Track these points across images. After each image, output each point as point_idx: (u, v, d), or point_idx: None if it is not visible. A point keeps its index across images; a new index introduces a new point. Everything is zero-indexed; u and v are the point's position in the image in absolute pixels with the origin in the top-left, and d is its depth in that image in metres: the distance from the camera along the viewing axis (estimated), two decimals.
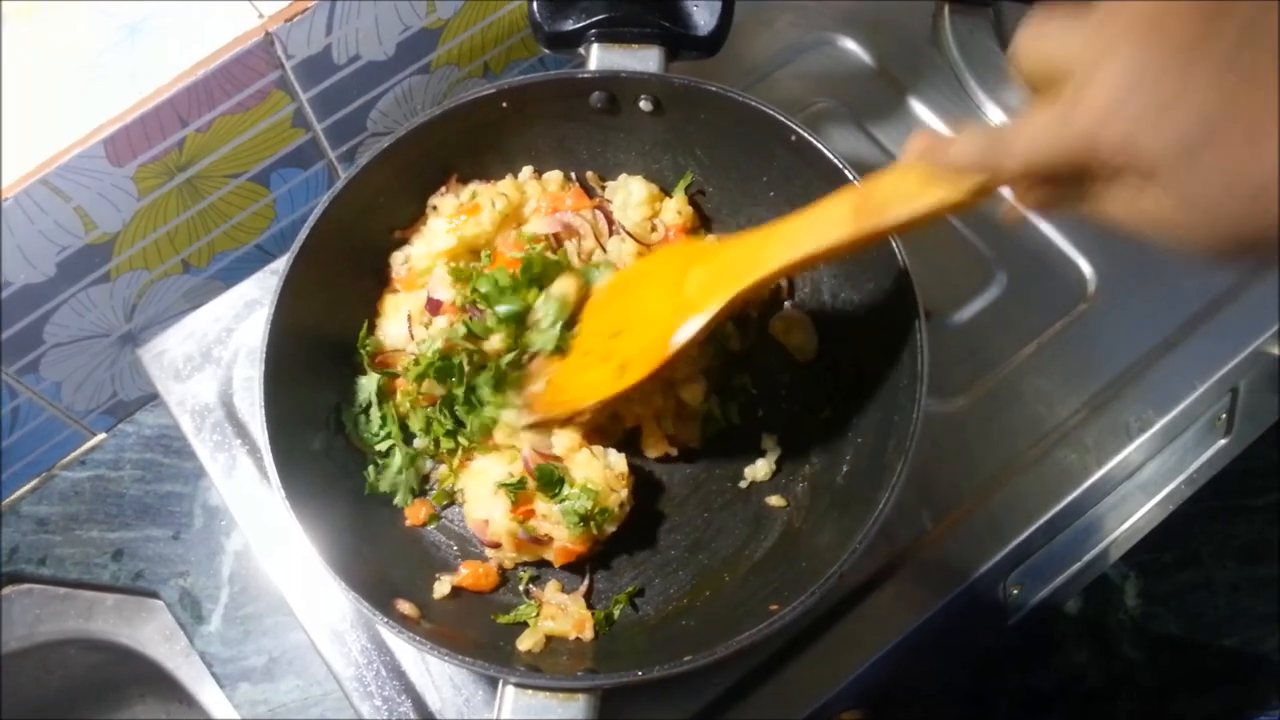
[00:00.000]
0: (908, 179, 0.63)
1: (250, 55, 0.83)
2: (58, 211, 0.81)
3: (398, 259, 0.90)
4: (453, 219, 0.87)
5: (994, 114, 1.07)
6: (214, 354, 0.95)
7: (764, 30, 1.11)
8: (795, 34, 1.11)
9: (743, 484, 0.87)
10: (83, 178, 0.80)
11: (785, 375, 0.91)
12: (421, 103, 1.03)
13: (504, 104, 0.85)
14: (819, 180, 0.83)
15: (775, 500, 0.86)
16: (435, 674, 0.84)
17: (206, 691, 0.96)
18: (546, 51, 1.09)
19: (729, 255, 0.75)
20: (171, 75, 0.81)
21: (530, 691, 0.69)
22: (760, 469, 0.87)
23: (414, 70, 0.98)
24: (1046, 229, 1.02)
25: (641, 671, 0.69)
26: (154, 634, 0.98)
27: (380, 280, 0.90)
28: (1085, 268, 1.00)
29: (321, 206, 0.81)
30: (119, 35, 0.83)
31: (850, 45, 1.11)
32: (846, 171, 0.81)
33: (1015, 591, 0.95)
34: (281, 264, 0.79)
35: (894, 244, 0.79)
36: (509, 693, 0.69)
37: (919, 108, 1.08)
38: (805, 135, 0.82)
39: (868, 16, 1.12)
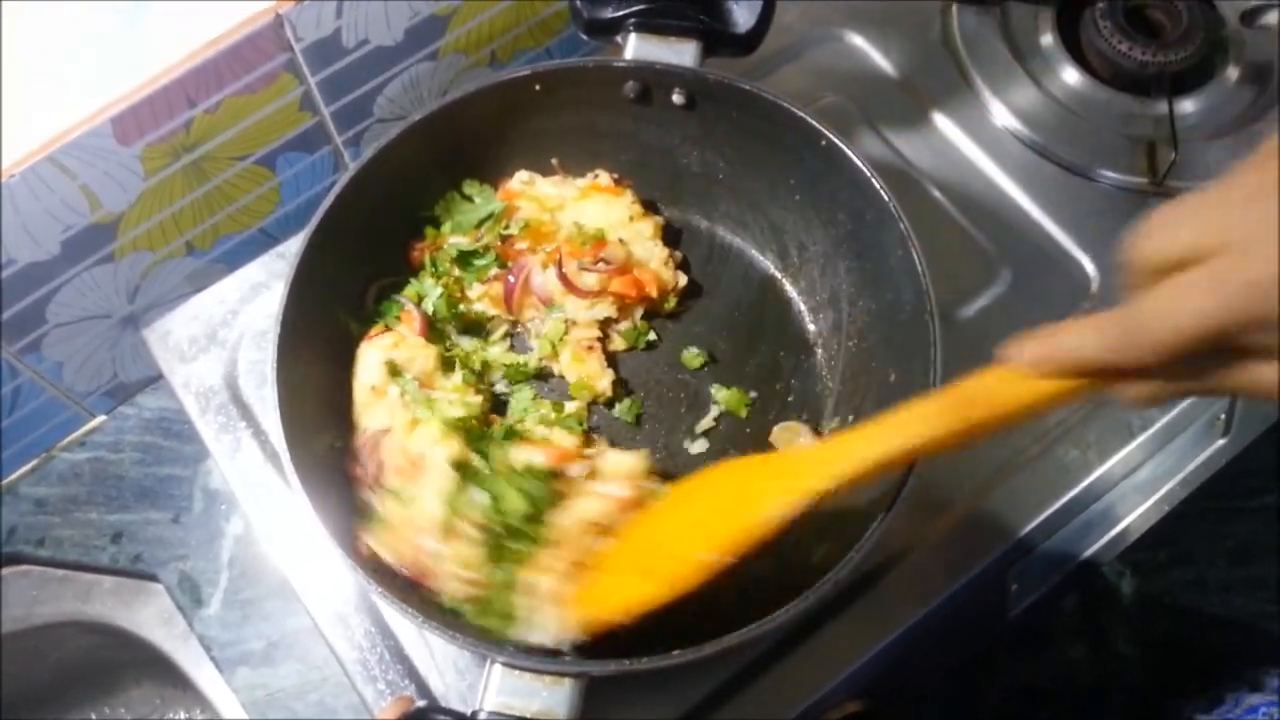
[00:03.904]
0: (1004, 380, 0.58)
1: (260, 36, 0.83)
2: (64, 189, 0.81)
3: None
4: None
5: (999, 111, 1.07)
6: (219, 336, 0.95)
7: (773, 23, 1.11)
8: (803, 28, 1.11)
9: None
10: (90, 156, 0.80)
11: (792, 383, 0.91)
12: (428, 90, 1.03)
13: (537, 86, 0.85)
14: (846, 187, 0.84)
15: None
16: (439, 658, 0.84)
17: (204, 675, 0.96)
18: (552, 41, 1.10)
19: (799, 461, 0.70)
20: (181, 55, 0.81)
21: (517, 672, 0.69)
22: None
23: (422, 57, 0.98)
24: (1050, 227, 1.02)
25: (629, 661, 0.70)
26: (152, 617, 0.98)
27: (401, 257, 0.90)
28: (1089, 266, 1.00)
29: (349, 175, 0.81)
30: (129, 13, 0.82)
31: (858, 41, 1.12)
32: (874, 180, 0.81)
33: (1014, 587, 0.95)
34: (296, 243, 0.79)
35: (915, 257, 0.79)
36: (496, 671, 0.69)
37: (925, 105, 1.08)
38: (835, 141, 0.83)
39: (876, 13, 1.13)
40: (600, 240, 0.89)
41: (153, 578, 0.98)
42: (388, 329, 0.86)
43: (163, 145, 0.84)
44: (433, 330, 0.89)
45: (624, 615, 0.71)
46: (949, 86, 1.09)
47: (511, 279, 0.90)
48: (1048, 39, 1.12)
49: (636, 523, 0.76)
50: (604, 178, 0.93)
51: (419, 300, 0.88)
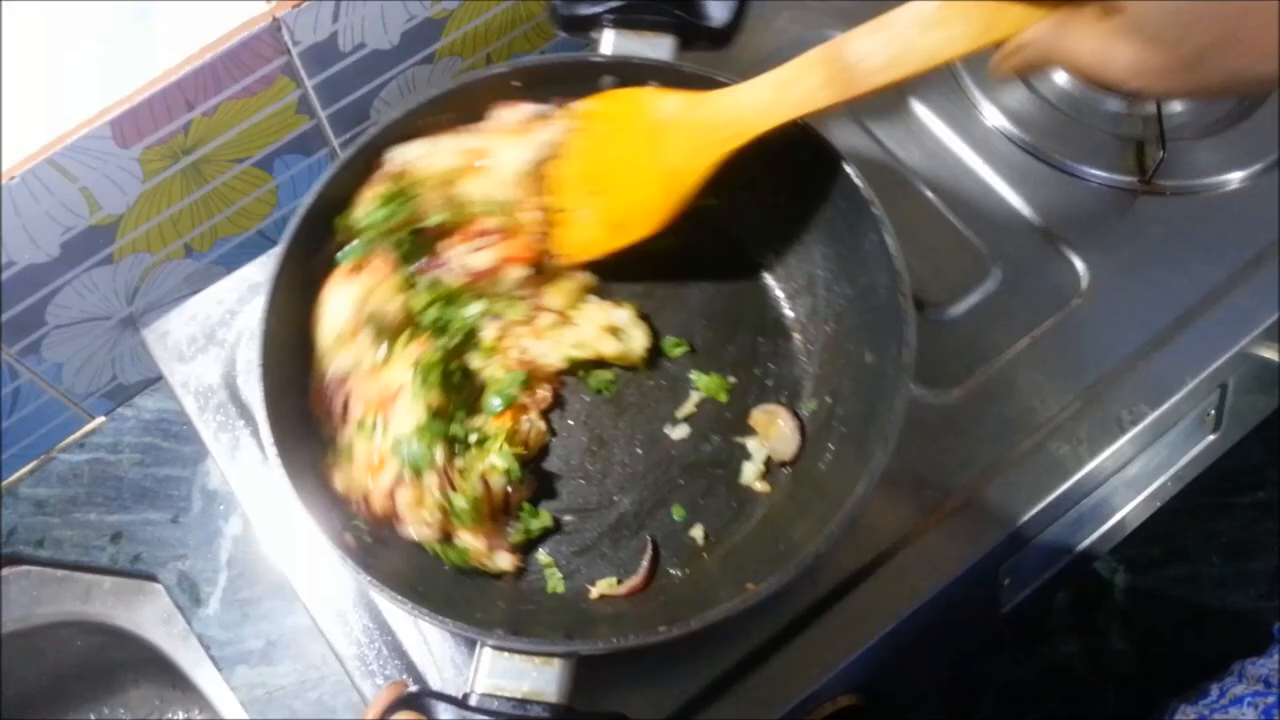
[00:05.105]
0: (896, 30, 0.64)
1: (257, 40, 0.84)
2: (63, 192, 0.82)
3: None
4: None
5: (990, 111, 1.08)
6: (218, 336, 0.95)
7: (765, 26, 1.12)
8: (796, 30, 1.12)
9: (740, 482, 0.88)
10: (89, 158, 0.81)
11: (770, 367, 0.92)
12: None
13: (515, 83, 0.86)
14: (820, 170, 0.85)
15: (759, 485, 0.87)
16: (436, 653, 0.84)
17: (203, 674, 0.96)
18: (549, 44, 1.11)
19: (703, 120, 0.78)
20: (179, 58, 0.82)
21: (507, 655, 0.70)
22: (748, 472, 0.88)
23: (418, 60, 0.99)
24: (1041, 226, 1.03)
25: (617, 639, 0.70)
26: (152, 617, 0.98)
27: None
28: (1079, 264, 1.01)
29: (327, 175, 0.81)
30: (128, 17, 0.83)
31: None
32: (847, 166, 0.82)
33: (1007, 582, 0.96)
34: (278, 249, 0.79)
35: (887, 240, 0.80)
36: (485, 654, 0.70)
37: (915, 104, 1.10)
38: (808, 128, 0.83)
39: (867, 15, 1.13)
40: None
41: (152, 578, 0.99)
42: (357, 269, 0.83)
43: (161, 148, 0.85)
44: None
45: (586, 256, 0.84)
46: (939, 87, 1.10)
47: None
48: None
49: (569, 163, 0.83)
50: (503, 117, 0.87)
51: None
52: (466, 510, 0.79)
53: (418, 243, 0.84)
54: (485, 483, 0.82)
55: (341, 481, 0.79)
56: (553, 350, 0.89)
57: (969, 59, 1.09)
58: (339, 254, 0.83)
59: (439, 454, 0.80)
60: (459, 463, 0.81)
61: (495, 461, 0.82)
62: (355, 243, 0.83)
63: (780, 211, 0.92)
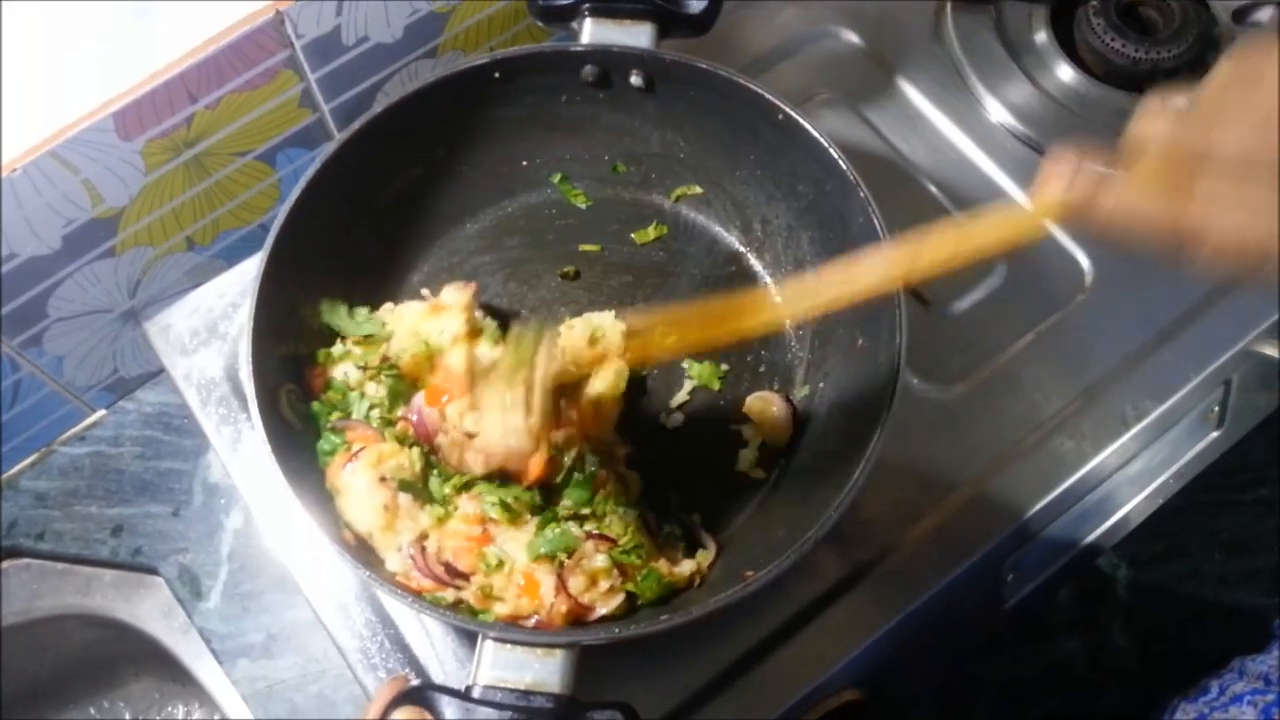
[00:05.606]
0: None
1: (260, 33, 0.84)
2: (65, 184, 0.81)
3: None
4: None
5: (994, 107, 1.08)
6: (220, 329, 0.95)
7: (768, 22, 1.12)
8: (799, 26, 1.12)
9: (736, 469, 0.88)
10: (91, 151, 0.81)
11: (762, 354, 0.92)
12: None
13: (496, 74, 0.86)
14: (805, 159, 0.85)
15: (755, 472, 0.88)
16: (439, 646, 0.84)
17: (204, 668, 0.96)
18: (553, 39, 1.11)
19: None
20: (183, 51, 0.81)
21: (509, 646, 0.69)
22: (744, 459, 0.88)
23: (421, 54, 0.99)
24: (1045, 222, 1.03)
25: (618, 629, 0.71)
26: (152, 610, 0.98)
27: (368, 253, 0.89)
28: (1083, 261, 1.01)
29: (317, 164, 0.81)
30: (131, 10, 0.83)
31: (854, 39, 1.13)
32: (831, 150, 0.82)
33: (1010, 577, 0.96)
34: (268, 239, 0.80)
35: (877, 223, 0.80)
36: (488, 647, 0.70)
37: (919, 98, 1.09)
38: (792, 114, 0.84)
39: (871, 11, 1.14)
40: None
41: (153, 571, 0.99)
42: (350, 455, 0.80)
43: (164, 141, 0.85)
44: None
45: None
46: (944, 83, 1.10)
47: (414, 417, 0.82)
48: (1041, 36, 1.13)
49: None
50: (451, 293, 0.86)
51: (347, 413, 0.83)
52: (635, 542, 0.77)
53: (395, 387, 0.82)
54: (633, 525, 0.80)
55: (508, 614, 0.76)
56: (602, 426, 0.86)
57: (973, 49, 1.11)
58: (321, 444, 0.80)
59: (574, 529, 0.77)
60: (597, 528, 0.79)
61: (623, 518, 0.80)
62: (328, 430, 0.80)
63: (766, 198, 0.92)
